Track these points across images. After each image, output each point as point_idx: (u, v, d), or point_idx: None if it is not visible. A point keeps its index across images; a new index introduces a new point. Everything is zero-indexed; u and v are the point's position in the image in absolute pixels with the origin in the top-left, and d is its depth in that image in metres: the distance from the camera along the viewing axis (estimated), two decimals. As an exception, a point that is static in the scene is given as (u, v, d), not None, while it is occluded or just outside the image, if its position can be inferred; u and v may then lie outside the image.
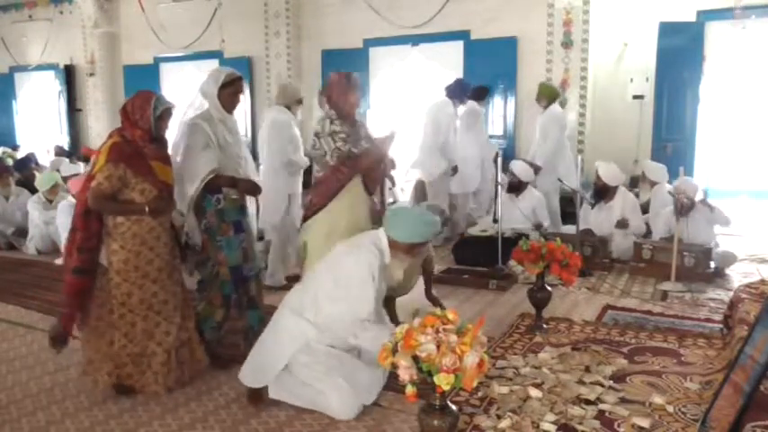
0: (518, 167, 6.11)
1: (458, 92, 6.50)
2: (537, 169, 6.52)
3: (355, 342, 2.88)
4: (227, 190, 3.27)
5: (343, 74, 3.47)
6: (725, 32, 7.30)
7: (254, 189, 3.38)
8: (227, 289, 3.34)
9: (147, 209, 2.90)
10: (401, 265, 3.01)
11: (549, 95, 6.60)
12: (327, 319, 2.85)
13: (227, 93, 3.28)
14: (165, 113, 2.99)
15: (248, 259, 3.38)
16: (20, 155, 10.94)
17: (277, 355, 2.85)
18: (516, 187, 6.18)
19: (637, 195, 6.54)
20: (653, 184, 6.10)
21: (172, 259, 3.07)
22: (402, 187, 8.51)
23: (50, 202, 6.36)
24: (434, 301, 3.95)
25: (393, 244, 2.94)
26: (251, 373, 2.89)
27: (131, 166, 2.90)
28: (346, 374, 2.76)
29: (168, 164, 3.08)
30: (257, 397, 2.89)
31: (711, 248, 5.15)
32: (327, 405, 2.74)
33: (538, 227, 6.03)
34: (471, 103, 6.71)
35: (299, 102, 4.90)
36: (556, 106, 6.65)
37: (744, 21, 6.95)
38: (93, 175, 2.91)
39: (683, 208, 4.95)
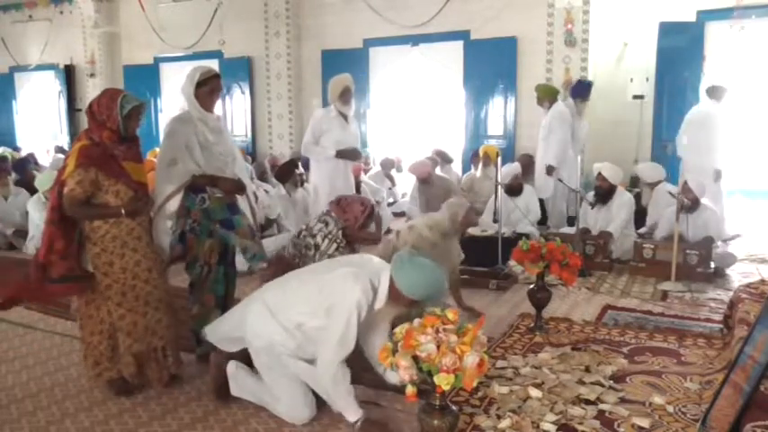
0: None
1: (582, 91, 6.69)
2: (551, 170, 6.52)
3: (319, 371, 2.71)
4: (212, 189, 3.25)
5: (370, 208, 3.67)
6: (725, 32, 7.30)
7: (237, 187, 3.33)
8: (219, 289, 3.33)
9: (123, 211, 2.85)
10: (393, 312, 2.73)
11: (549, 94, 6.62)
12: (296, 327, 2.73)
13: (204, 91, 3.21)
14: (134, 112, 2.88)
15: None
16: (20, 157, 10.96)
17: (236, 340, 2.86)
18: (516, 189, 6.23)
19: (638, 196, 6.54)
20: (652, 186, 6.04)
21: (158, 257, 3.04)
22: (404, 193, 8.54)
23: (50, 202, 6.36)
24: (469, 310, 4.06)
25: (394, 290, 2.63)
26: (213, 333, 2.95)
27: (103, 168, 2.82)
28: (301, 384, 2.74)
29: (141, 162, 3.02)
30: (223, 393, 2.92)
31: (713, 243, 5.15)
32: (279, 411, 2.76)
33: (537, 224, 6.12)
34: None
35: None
36: (560, 104, 6.66)
37: (742, 21, 6.95)
38: (63, 180, 2.82)
39: (684, 207, 4.96)
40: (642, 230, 5.97)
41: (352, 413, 2.61)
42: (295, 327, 2.71)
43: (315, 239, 3.62)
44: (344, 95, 5.06)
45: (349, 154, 5.16)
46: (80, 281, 2.91)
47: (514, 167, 6.41)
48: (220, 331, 2.96)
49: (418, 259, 2.65)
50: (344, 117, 5.14)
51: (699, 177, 5.72)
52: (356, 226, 3.60)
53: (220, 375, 2.92)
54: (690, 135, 6.42)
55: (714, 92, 6.35)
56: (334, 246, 3.57)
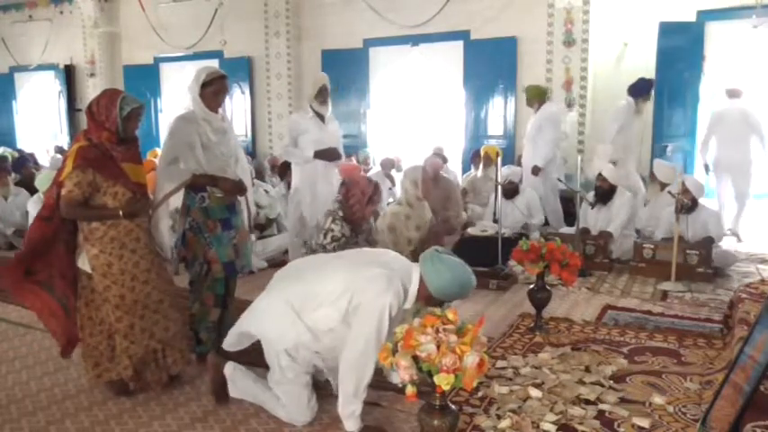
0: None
1: (644, 90, 6.54)
2: (536, 170, 6.53)
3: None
4: (212, 188, 3.27)
5: (372, 183, 3.85)
6: (725, 32, 7.30)
7: (237, 188, 3.35)
8: (219, 288, 3.34)
9: (121, 213, 2.84)
10: (419, 308, 2.70)
11: (538, 95, 6.67)
12: (325, 332, 2.67)
13: (209, 92, 3.23)
14: (134, 113, 2.87)
15: (239, 255, 3.39)
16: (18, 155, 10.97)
17: (268, 344, 2.78)
18: (511, 192, 6.23)
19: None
20: (663, 185, 5.98)
21: (157, 258, 3.03)
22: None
23: (50, 202, 6.36)
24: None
25: (422, 289, 2.62)
26: (231, 338, 2.91)
27: (101, 170, 2.81)
28: (308, 388, 2.73)
29: (140, 163, 3.02)
30: (221, 394, 2.90)
31: (713, 243, 5.16)
32: (278, 413, 2.75)
33: (525, 227, 6.14)
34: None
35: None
36: (549, 105, 6.73)
37: (757, 19, 6.95)
38: (61, 182, 2.82)
39: (683, 207, 4.96)
40: (639, 226, 5.99)
41: (353, 423, 2.59)
42: (323, 331, 2.66)
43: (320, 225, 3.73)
44: (321, 95, 4.94)
45: (327, 154, 4.99)
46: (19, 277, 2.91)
47: (514, 171, 6.40)
48: (236, 334, 2.90)
49: (447, 258, 2.63)
50: (321, 117, 4.99)
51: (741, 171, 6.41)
52: (365, 200, 3.69)
53: (218, 376, 2.91)
54: (723, 132, 6.58)
55: (734, 93, 6.58)
56: (330, 219, 3.63)
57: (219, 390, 2.92)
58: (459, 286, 2.60)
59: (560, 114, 6.90)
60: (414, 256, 3.64)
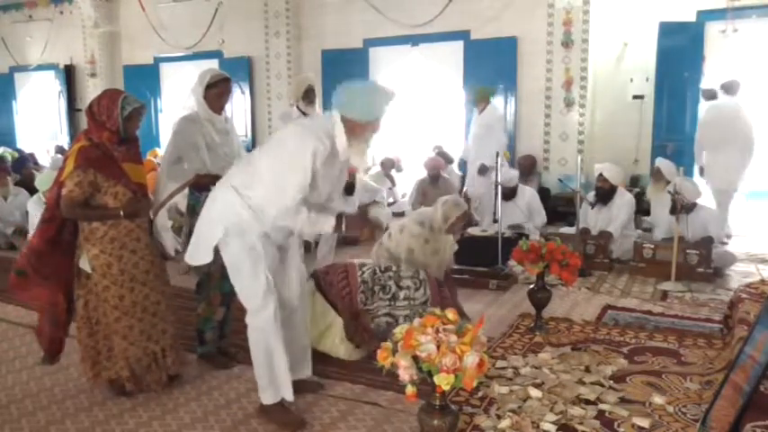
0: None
1: (739, 86, 6.46)
2: (484, 169, 6.55)
3: (284, 224, 2.70)
4: None
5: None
6: (722, 34, 7.31)
7: None
8: (226, 287, 3.34)
9: (121, 213, 2.84)
10: (365, 148, 2.70)
11: (489, 96, 6.76)
12: (261, 200, 2.67)
13: (213, 93, 3.27)
14: (135, 113, 2.88)
15: None
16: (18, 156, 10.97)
17: (213, 230, 2.73)
18: (509, 193, 6.21)
19: (639, 195, 6.54)
20: (668, 182, 6.03)
21: (156, 259, 3.03)
22: (404, 193, 8.54)
23: (50, 201, 6.36)
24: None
25: (352, 126, 2.62)
26: (190, 252, 2.83)
27: (102, 170, 2.81)
28: (267, 282, 2.68)
29: (140, 163, 3.03)
30: (295, 422, 2.72)
31: (713, 243, 5.16)
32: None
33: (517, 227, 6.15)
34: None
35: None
36: (494, 106, 6.83)
37: (739, 21, 6.97)
38: (62, 181, 2.82)
39: (682, 207, 4.96)
40: (646, 219, 6.00)
41: (329, 226, 2.67)
42: (258, 208, 2.65)
43: (400, 282, 3.55)
44: (308, 95, 4.87)
45: None
46: (30, 281, 2.90)
47: (512, 175, 6.39)
48: (194, 241, 2.82)
49: (352, 85, 2.66)
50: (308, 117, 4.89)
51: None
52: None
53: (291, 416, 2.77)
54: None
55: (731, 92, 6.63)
56: (414, 282, 3.54)
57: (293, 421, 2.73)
58: (377, 97, 2.62)
59: (503, 115, 7.13)
60: (430, 280, 3.59)
